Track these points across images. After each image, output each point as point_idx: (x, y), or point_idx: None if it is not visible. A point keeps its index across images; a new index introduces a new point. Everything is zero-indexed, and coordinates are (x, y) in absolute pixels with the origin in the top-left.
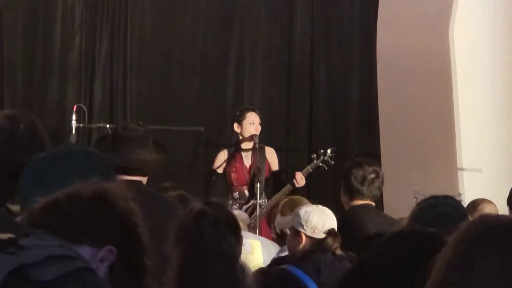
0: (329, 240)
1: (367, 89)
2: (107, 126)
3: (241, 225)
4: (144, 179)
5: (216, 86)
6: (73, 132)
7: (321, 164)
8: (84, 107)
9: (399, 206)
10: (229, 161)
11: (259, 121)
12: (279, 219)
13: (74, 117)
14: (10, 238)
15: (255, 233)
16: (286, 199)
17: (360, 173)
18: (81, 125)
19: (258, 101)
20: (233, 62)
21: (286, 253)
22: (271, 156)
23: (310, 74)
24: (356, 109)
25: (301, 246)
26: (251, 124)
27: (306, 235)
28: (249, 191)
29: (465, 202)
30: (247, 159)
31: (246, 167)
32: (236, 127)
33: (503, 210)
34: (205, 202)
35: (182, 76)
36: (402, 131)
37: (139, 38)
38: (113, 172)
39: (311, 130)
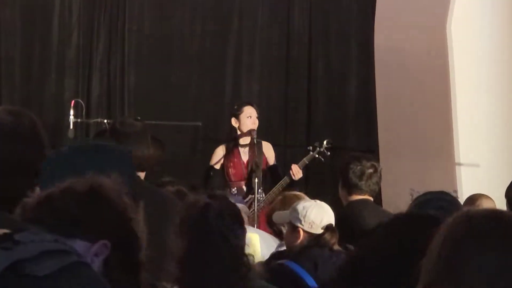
0: (327, 236)
1: (365, 85)
2: (105, 121)
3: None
4: (142, 174)
5: (214, 82)
6: (71, 127)
7: (317, 156)
8: (82, 102)
9: (397, 201)
10: (227, 156)
11: (257, 115)
12: (276, 214)
13: (72, 112)
14: (5, 234)
15: (253, 227)
16: (284, 194)
17: (358, 168)
18: (79, 120)
19: (256, 96)
20: (231, 58)
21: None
22: (268, 151)
23: (308, 70)
24: (354, 105)
25: (299, 241)
26: (249, 117)
27: (304, 230)
28: (246, 186)
29: (463, 198)
30: (244, 154)
31: (243, 162)
32: (234, 121)
33: (501, 205)
34: (208, 195)
35: (180, 71)
36: (400, 126)
37: (136, 33)
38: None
39: (309, 126)
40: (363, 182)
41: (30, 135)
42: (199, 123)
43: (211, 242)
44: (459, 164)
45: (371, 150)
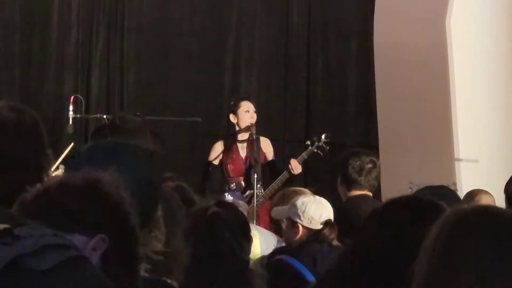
0: (326, 231)
1: (364, 80)
2: (104, 116)
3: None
4: None
5: (214, 77)
6: (70, 122)
7: (315, 150)
8: (81, 98)
9: (397, 196)
10: (225, 152)
11: (255, 109)
12: (275, 210)
13: (71, 107)
14: (5, 229)
15: (252, 223)
16: (286, 190)
17: (358, 163)
18: (78, 115)
19: (255, 92)
20: (231, 53)
21: None
22: (266, 146)
23: (307, 66)
24: (354, 100)
25: (298, 236)
26: (246, 112)
27: (303, 226)
28: (245, 181)
29: (462, 193)
30: (243, 150)
31: (242, 158)
32: (232, 118)
33: (500, 200)
34: (217, 202)
35: (180, 67)
36: (400, 121)
37: (136, 29)
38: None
39: (308, 121)
40: (362, 178)
41: (31, 132)
42: (199, 119)
43: (217, 252)
44: (459, 160)
45: (372, 146)
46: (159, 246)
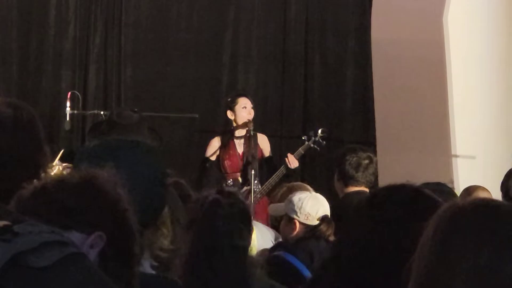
0: (323, 227)
1: (361, 76)
2: (102, 113)
3: None
4: None
5: (211, 73)
6: (68, 118)
7: (312, 145)
8: (78, 94)
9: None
10: (222, 148)
11: (252, 106)
12: (272, 206)
13: (68, 103)
14: (4, 225)
15: None
16: (288, 185)
17: (354, 159)
18: (75, 111)
19: (252, 88)
20: (228, 49)
21: None
22: (263, 143)
23: (305, 62)
24: (351, 96)
25: (295, 233)
26: (244, 108)
27: (299, 222)
28: (242, 177)
29: (459, 189)
30: (240, 146)
31: (239, 154)
32: (229, 114)
33: (497, 197)
34: (218, 190)
35: (177, 63)
36: (397, 118)
37: (133, 25)
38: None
39: (306, 117)
40: (359, 173)
41: (28, 128)
42: (196, 115)
43: (216, 240)
44: (455, 156)
45: (369, 143)
46: (165, 243)
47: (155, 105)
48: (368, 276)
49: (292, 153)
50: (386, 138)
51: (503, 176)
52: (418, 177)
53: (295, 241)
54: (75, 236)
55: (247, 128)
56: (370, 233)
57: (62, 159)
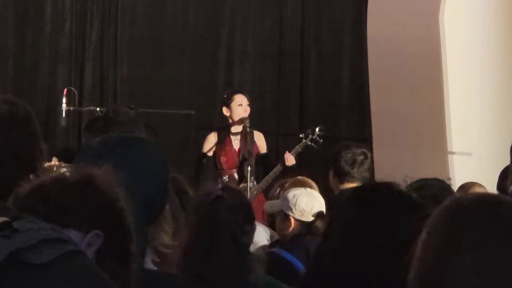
0: (318, 223)
1: (357, 73)
2: (98, 109)
3: None
4: None
5: (207, 70)
6: (63, 115)
7: (309, 143)
8: (74, 90)
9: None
10: (218, 144)
11: (248, 103)
12: (268, 203)
13: (64, 100)
14: (4, 222)
15: None
16: (291, 180)
17: (349, 155)
18: (71, 108)
19: (248, 85)
20: (224, 46)
21: None
22: (260, 140)
23: (301, 59)
24: (347, 93)
25: (290, 229)
26: (240, 105)
27: (295, 219)
28: (238, 174)
29: (455, 186)
30: (236, 143)
31: (235, 151)
32: (225, 110)
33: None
34: (223, 187)
35: (173, 59)
36: (393, 114)
37: (129, 22)
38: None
39: (302, 114)
40: (355, 170)
41: (24, 125)
42: (192, 112)
43: (217, 236)
44: (452, 153)
45: (365, 139)
46: (166, 239)
47: (151, 102)
48: (360, 264)
49: (289, 150)
50: (382, 135)
51: (499, 172)
52: (414, 173)
53: (291, 238)
54: (72, 235)
55: (243, 125)
56: (358, 219)
57: (59, 157)
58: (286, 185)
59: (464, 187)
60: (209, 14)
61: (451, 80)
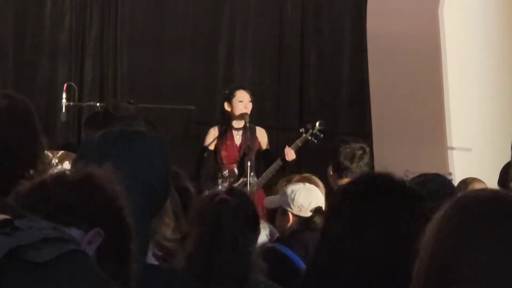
0: (316, 219)
1: (358, 69)
2: (98, 104)
3: None
4: None
5: (207, 65)
6: (63, 110)
7: (310, 138)
8: (74, 86)
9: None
10: (219, 138)
11: (250, 99)
12: (268, 199)
13: (64, 95)
14: (5, 219)
15: None
16: (298, 177)
17: (348, 150)
18: (71, 103)
19: (248, 81)
20: (224, 42)
21: None
22: (262, 136)
23: (301, 54)
24: (347, 89)
25: (289, 224)
26: (240, 102)
27: (293, 214)
28: (238, 169)
29: (455, 181)
30: (237, 138)
31: (236, 146)
32: (226, 106)
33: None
34: (228, 189)
35: (173, 55)
36: (393, 110)
37: (129, 17)
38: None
39: (302, 110)
40: (354, 164)
41: (24, 119)
42: (192, 107)
43: (219, 240)
44: (452, 148)
45: (365, 135)
46: (168, 232)
47: (151, 97)
48: (360, 260)
49: (289, 145)
50: (382, 130)
51: (499, 167)
52: (414, 169)
53: (290, 234)
54: (73, 232)
55: (244, 120)
56: (357, 214)
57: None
58: (293, 180)
59: (464, 182)
60: (209, 10)
61: (451, 75)
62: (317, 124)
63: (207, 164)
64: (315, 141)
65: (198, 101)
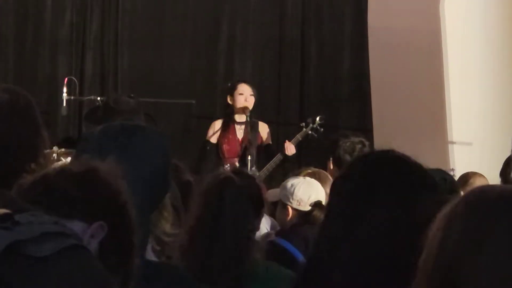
0: (316, 213)
1: (358, 64)
2: (98, 98)
3: None
4: None
5: (208, 60)
6: (64, 104)
7: (310, 132)
8: (75, 80)
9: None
10: (222, 132)
11: (251, 93)
12: (270, 192)
13: (65, 89)
14: (5, 214)
15: None
16: (306, 172)
17: (348, 144)
18: (72, 97)
19: (249, 75)
20: (225, 36)
21: None
22: (264, 131)
23: (302, 49)
24: (348, 83)
25: (289, 218)
26: (241, 95)
27: (292, 208)
28: (240, 163)
29: (456, 176)
30: (240, 132)
31: (238, 139)
32: (229, 99)
33: (494, 183)
34: (234, 170)
35: (174, 49)
36: (394, 104)
37: (130, 11)
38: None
39: (302, 105)
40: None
41: (25, 113)
42: (193, 101)
43: (220, 217)
44: (452, 142)
45: (366, 129)
46: (167, 226)
47: (152, 91)
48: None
49: (289, 140)
50: (382, 125)
51: (500, 162)
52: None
53: (290, 227)
54: (76, 226)
55: (245, 114)
56: (359, 206)
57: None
58: (302, 175)
59: (465, 177)
60: (210, 4)
61: (452, 70)
62: (318, 118)
63: (208, 158)
64: (315, 135)
65: (199, 95)
